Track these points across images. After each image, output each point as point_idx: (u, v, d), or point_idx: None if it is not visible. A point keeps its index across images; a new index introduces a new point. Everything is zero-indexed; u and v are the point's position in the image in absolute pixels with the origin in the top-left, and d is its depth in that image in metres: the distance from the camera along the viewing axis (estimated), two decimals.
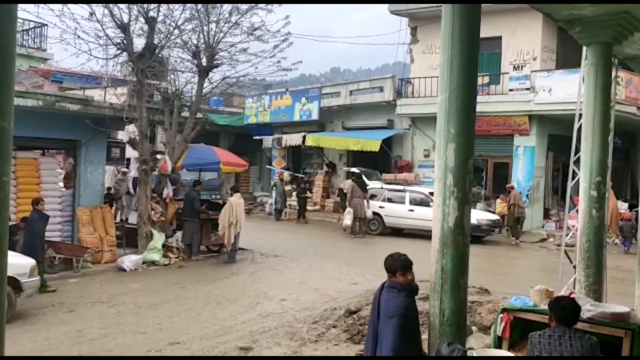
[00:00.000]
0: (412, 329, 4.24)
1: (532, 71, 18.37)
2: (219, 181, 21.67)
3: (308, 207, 22.97)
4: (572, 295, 5.12)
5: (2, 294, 2.87)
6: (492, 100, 18.16)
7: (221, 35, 13.97)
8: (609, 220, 13.59)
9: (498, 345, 5.12)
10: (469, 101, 4.38)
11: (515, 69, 18.67)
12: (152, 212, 13.46)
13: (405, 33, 22.73)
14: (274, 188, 21.83)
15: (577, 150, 7.35)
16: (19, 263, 8.40)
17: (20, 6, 11.63)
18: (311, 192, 22.88)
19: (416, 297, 4.50)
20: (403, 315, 4.14)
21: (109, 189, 19.36)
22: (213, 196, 20.75)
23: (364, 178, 19.61)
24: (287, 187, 22.21)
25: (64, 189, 13.49)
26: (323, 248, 15.34)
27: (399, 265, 4.31)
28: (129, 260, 12.06)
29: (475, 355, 4.23)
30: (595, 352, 3.82)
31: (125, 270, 11.83)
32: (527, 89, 18.23)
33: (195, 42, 14.05)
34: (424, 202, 16.97)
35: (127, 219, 15.03)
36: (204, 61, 14.10)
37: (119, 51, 12.69)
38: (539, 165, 18.84)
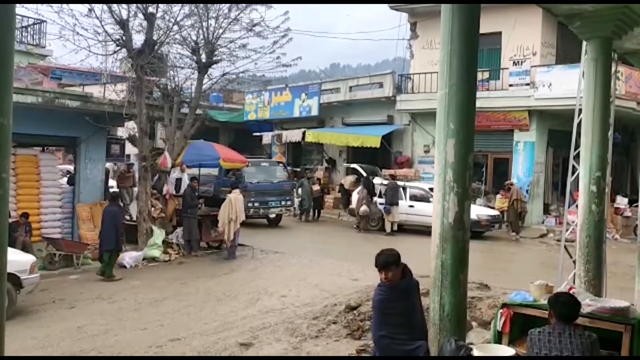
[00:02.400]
0: (390, 320, 4.38)
1: (531, 66, 18.33)
2: (289, 184, 19.05)
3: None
4: (572, 291, 5.12)
5: (2, 290, 2.87)
6: (491, 95, 18.13)
7: (220, 31, 13.94)
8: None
9: (498, 341, 5.13)
10: (468, 97, 4.37)
11: (515, 65, 18.63)
12: (152, 208, 13.47)
13: (404, 29, 22.71)
14: (301, 188, 20.23)
15: (577, 146, 7.35)
16: (19, 260, 8.41)
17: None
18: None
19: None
20: (376, 308, 4.47)
21: None
22: (283, 203, 18.33)
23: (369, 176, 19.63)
24: (316, 187, 21.02)
25: (64, 186, 13.51)
26: (323, 244, 15.36)
27: (376, 263, 4.47)
28: (129, 256, 12.07)
29: (476, 350, 4.24)
30: (595, 350, 3.82)
31: (125, 266, 11.83)
32: (527, 84, 18.20)
33: (194, 38, 14.04)
34: (424, 198, 16.97)
35: None
36: (203, 57, 14.08)
37: (118, 47, 12.69)
38: (539, 160, 18.83)
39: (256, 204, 17.35)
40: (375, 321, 4.47)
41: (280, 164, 19.90)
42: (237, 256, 13.24)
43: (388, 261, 4.40)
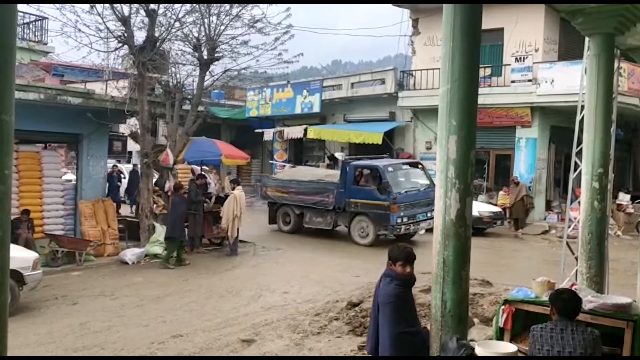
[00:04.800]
0: (407, 315, 4.32)
1: (534, 62, 18.29)
2: (433, 191, 14.86)
3: None
4: (574, 287, 5.12)
5: (5, 287, 2.88)
6: (494, 92, 18.10)
7: (222, 27, 13.93)
8: None
9: (500, 337, 5.13)
10: (470, 93, 4.36)
11: (517, 61, 18.59)
12: (154, 205, 13.47)
13: (407, 25, 22.67)
14: None
15: (580, 142, 7.34)
16: (21, 256, 8.43)
17: None
18: None
19: (417, 289, 4.52)
20: (393, 303, 4.22)
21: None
22: (429, 214, 13.84)
23: None
24: None
25: (67, 182, 13.52)
26: (325, 241, 15.35)
27: (401, 255, 4.35)
28: (132, 253, 12.10)
29: (478, 347, 4.24)
30: (597, 346, 3.82)
31: (127, 263, 11.87)
32: (529, 80, 18.16)
33: (196, 34, 14.03)
34: None
35: None
36: (205, 54, 14.07)
37: (119, 44, 12.68)
38: (541, 157, 18.81)
39: (405, 219, 14.12)
40: (392, 317, 4.24)
41: (420, 166, 16.32)
42: (239, 253, 13.26)
43: (413, 255, 4.39)
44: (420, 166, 16.32)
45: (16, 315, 7.91)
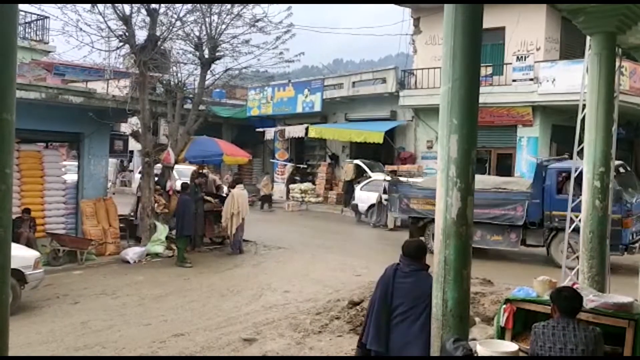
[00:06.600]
0: None
1: (535, 62, 18.27)
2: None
3: (311, 200, 22.99)
4: (576, 286, 5.11)
5: (6, 286, 2.89)
6: (495, 91, 18.08)
7: (223, 27, 13.93)
8: None
9: (501, 336, 5.13)
10: (471, 92, 4.35)
11: (519, 60, 18.57)
12: (156, 204, 13.48)
13: (408, 24, 22.68)
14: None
15: (581, 141, 7.33)
16: (23, 255, 8.44)
17: None
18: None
19: None
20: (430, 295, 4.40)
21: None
22: None
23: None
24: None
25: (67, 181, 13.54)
26: (326, 240, 15.36)
27: (424, 249, 4.66)
28: (133, 252, 12.11)
29: (479, 345, 4.24)
30: (599, 344, 3.82)
31: (129, 262, 11.87)
32: (531, 79, 18.15)
33: (197, 33, 14.03)
34: None
35: None
36: (206, 53, 14.07)
37: (121, 43, 12.68)
38: (543, 156, 18.80)
39: (635, 235, 11.52)
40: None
41: (629, 169, 13.64)
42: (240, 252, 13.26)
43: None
44: (629, 169, 13.54)
45: (18, 314, 7.91)
